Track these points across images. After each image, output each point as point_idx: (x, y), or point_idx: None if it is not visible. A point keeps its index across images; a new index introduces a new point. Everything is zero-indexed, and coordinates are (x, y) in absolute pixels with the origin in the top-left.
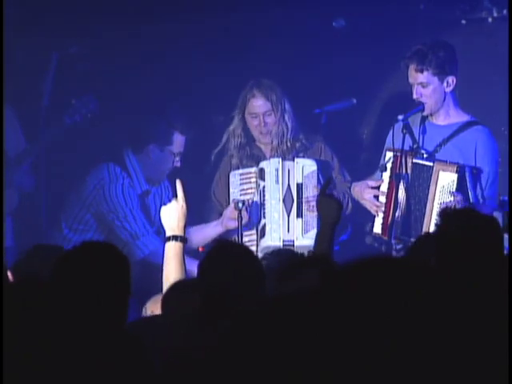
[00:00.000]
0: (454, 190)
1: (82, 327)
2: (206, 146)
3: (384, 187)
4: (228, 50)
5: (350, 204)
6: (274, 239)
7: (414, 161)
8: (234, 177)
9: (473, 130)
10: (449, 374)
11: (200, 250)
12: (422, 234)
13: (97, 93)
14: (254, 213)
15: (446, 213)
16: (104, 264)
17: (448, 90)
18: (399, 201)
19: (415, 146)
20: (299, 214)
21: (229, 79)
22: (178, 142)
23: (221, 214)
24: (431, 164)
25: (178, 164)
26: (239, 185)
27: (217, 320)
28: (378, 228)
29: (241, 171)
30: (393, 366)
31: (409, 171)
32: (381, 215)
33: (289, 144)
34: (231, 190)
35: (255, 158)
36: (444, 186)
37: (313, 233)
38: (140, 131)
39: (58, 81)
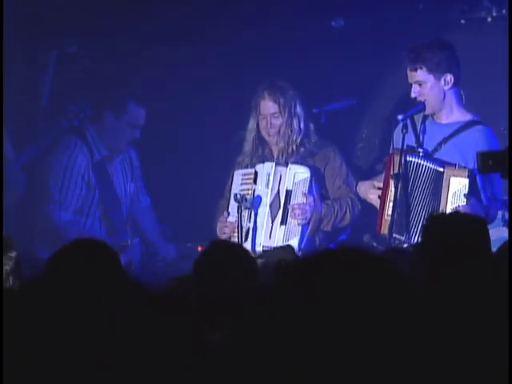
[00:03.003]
0: (466, 192)
1: (77, 326)
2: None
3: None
4: (228, 50)
5: (347, 215)
6: (255, 244)
7: (423, 163)
8: (238, 176)
9: (473, 129)
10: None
11: (199, 249)
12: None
13: (96, 92)
14: (256, 209)
15: (433, 217)
16: (95, 261)
17: (446, 87)
18: (398, 199)
19: (417, 145)
20: (283, 221)
21: (228, 79)
22: (137, 113)
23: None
24: (442, 169)
25: (138, 135)
26: (240, 184)
27: (213, 318)
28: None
29: (243, 171)
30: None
31: (412, 171)
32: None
33: (294, 147)
34: (233, 189)
35: (264, 160)
36: (456, 191)
37: (294, 241)
38: (98, 99)
39: (57, 80)
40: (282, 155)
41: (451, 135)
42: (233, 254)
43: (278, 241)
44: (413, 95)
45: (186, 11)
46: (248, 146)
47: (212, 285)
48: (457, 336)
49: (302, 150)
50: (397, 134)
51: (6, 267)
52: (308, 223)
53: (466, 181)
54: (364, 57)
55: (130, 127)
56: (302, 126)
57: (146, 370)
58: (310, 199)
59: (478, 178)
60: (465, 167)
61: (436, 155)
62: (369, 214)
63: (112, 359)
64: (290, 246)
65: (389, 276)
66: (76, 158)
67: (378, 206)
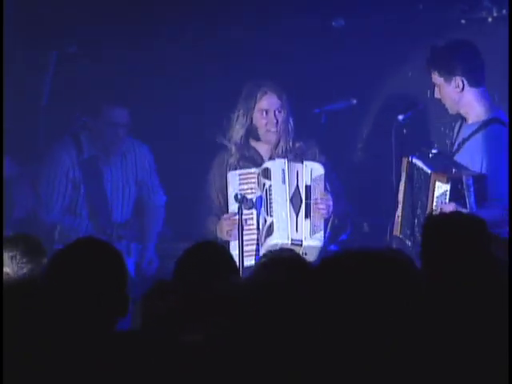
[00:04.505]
0: (447, 200)
1: (80, 326)
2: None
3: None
4: (228, 49)
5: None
6: (282, 237)
7: (417, 163)
8: (233, 177)
9: (486, 130)
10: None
11: None
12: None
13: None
14: (258, 209)
15: (431, 216)
16: (99, 261)
17: (458, 90)
18: (399, 201)
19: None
20: (307, 215)
21: (229, 79)
22: (115, 113)
23: (215, 212)
24: (428, 172)
25: (121, 136)
26: (238, 185)
27: (198, 318)
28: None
29: (240, 171)
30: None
31: (413, 173)
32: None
33: (290, 144)
34: (229, 190)
35: (251, 160)
36: (438, 195)
37: (319, 235)
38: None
39: (57, 80)
40: (274, 153)
41: (469, 136)
42: (216, 253)
43: (305, 234)
44: (435, 96)
45: (186, 11)
46: (234, 143)
47: (193, 284)
48: (458, 336)
49: (296, 145)
50: (399, 135)
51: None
52: (328, 218)
53: (447, 186)
54: (364, 57)
55: (110, 127)
56: (293, 124)
57: (141, 369)
58: (329, 196)
59: (465, 185)
60: (450, 173)
61: (456, 157)
62: (368, 214)
63: (112, 359)
64: (292, 250)
65: (394, 278)
66: (59, 157)
67: None
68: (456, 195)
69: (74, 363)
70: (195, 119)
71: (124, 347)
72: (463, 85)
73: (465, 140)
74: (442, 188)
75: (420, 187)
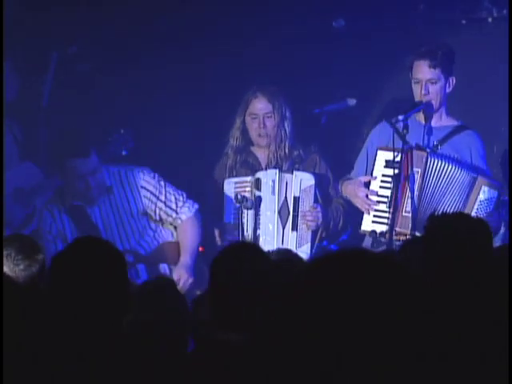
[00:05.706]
0: (492, 204)
1: (82, 326)
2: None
3: (383, 184)
4: (227, 50)
5: (341, 220)
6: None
7: (452, 165)
8: (229, 184)
9: (466, 133)
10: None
11: (200, 249)
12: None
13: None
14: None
15: (434, 217)
16: (99, 260)
17: (448, 90)
18: (407, 196)
19: (406, 145)
20: (294, 227)
21: (227, 78)
22: (78, 165)
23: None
24: (475, 176)
25: (91, 184)
26: (234, 193)
27: (227, 319)
28: (366, 226)
29: (235, 179)
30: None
31: (438, 171)
32: (372, 213)
33: (286, 151)
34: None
35: (249, 166)
36: (483, 200)
37: (306, 247)
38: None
39: (57, 81)
40: (273, 159)
41: (445, 137)
42: (249, 253)
43: (291, 247)
44: (423, 92)
45: (186, 12)
46: (231, 147)
47: (229, 287)
48: (458, 338)
49: (295, 153)
50: (384, 133)
51: (33, 269)
52: (316, 230)
53: (496, 193)
54: (364, 57)
55: (77, 179)
56: (291, 130)
57: (144, 369)
58: (318, 207)
59: (503, 191)
60: (496, 180)
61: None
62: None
63: (116, 359)
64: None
65: (394, 277)
66: (45, 220)
67: (362, 206)
68: (497, 202)
69: (76, 362)
70: (196, 120)
71: (126, 347)
72: (453, 84)
73: (441, 141)
74: (487, 193)
75: (449, 185)
